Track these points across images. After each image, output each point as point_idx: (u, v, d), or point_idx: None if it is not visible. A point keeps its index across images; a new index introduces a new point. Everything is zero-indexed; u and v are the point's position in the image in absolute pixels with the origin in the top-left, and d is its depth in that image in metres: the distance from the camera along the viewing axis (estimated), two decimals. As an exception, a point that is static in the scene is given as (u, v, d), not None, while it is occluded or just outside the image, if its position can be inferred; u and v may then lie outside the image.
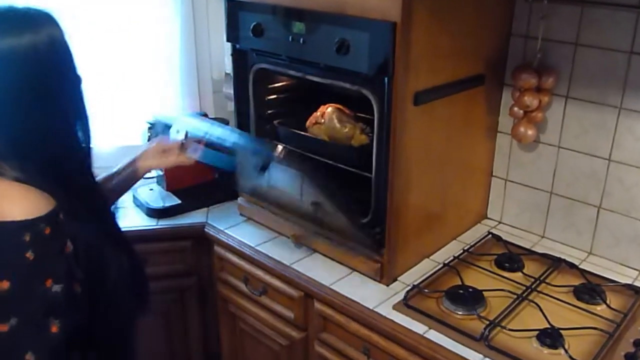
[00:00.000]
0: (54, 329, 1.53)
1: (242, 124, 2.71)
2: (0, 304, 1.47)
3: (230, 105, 3.01)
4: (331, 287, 2.32)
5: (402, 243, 2.34)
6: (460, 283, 2.30)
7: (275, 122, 2.70)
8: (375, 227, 2.28)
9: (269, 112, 2.72)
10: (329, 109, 2.55)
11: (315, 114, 2.59)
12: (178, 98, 3.33)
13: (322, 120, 2.54)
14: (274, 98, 2.73)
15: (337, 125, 2.50)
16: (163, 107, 3.26)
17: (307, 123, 2.61)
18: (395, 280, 2.36)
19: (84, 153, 1.71)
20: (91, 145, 1.71)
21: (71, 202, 1.61)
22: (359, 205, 2.35)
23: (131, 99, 3.27)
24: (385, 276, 2.33)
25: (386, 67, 2.05)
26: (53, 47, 1.59)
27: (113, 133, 3.30)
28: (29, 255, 1.49)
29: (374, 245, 2.29)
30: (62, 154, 1.64)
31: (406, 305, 2.20)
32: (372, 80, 2.13)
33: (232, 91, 2.72)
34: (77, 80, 1.68)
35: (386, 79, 2.08)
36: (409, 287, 2.29)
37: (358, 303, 2.24)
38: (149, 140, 2.89)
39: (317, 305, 2.37)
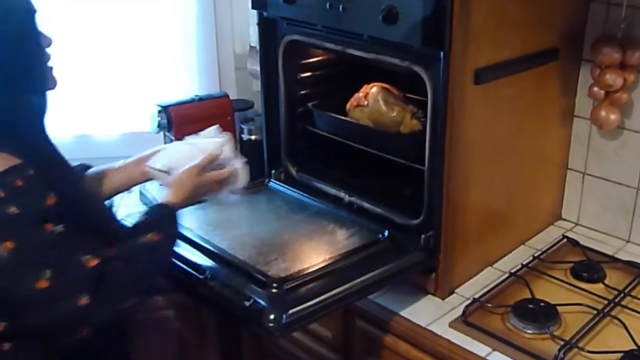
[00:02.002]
0: (92, 263, 1.77)
1: (269, 106, 2.72)
2: (24, 260, 1.69)
3: (256, 84, 3.03)
4: (376, 300, 2.33)
5: (461, 248, 2.34)
6: (529, 296, 2.30)
7: (309, 104, 2.71)
8: (429, 229, 2.29)
9: (302, 92, 2.74)
10: (373, 89, 2.56)
11: (357, 94, 2.60)
12: (194, 76, 3.34)
13: (365, 103, 2.55)
14: (308, 76, 2.75)
15: (383, 108, 2.51)
16: (176, 87, 3.28)
17: (348, 105, 2.62)
18: (452, 292, 2.37)
19: (39, 122, 1.87)
20: (46, 115, 1.87)
21: (38, 165, 1.77)
22: (409, 203, 2.36)
23: (138, 78, 3.29)
24: (441, 288, 2.33)
25: (442, 39, 2.05)
26: (12, 13, 1.75)
27: (118, 118, 3.32)
28: (13, 209, 1.68)
29: (426, 252, 2.30)
30: (15, 119, 1.80)
31: (465, 322, 2.20)
32: (425, 55, 2.14)
33: (258, 67, 2.74)
34: (36, 44, 1.82)
35: (442, 53, 2.08)
36: (469, 301, 2.29)
37: (408, 320, 2.25)
38: (158, 126, 2.91)
39: (359, 322, 2.38)
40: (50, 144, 1.92)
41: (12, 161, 1.72)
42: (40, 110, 1.86)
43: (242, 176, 2.26)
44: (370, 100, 2.54)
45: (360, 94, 2.59)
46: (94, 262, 1.77)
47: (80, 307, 1.72)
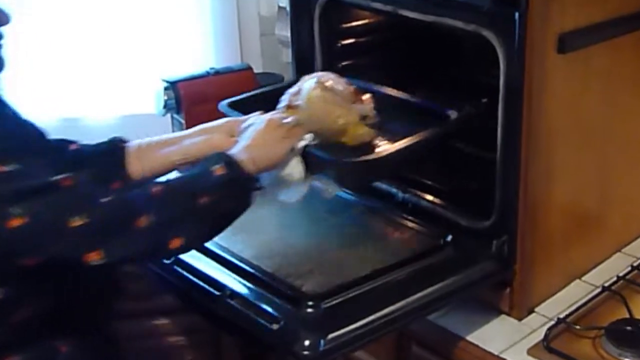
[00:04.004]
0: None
1: (302, 82, 2.73)
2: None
3: (286, 54, 3.04)
4: (437, 322, 2.33)
5: (542, 257, 2.33)
6: (627, 316, 2.28)
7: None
8: (502, 233, 2.28)
9: (343, 63, 2.74)
10: (308, 82, 2.34)
11: (290, 90, 2.38)
12: (209, 45, 3.35)
13: (298, 102, 2.32)
14: (351, 43, 2.76)
15: (321, 110, 2.29)
16: (186, 59, 3.29)
17: (282, 103, 2.38)
18: (531, 311, 2.36)
19: None
20: None
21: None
22: (477, 201, 2.35)
23: (140, 47, 3.29)
24: (517, 306, 2.33)
25: (518, -3, 2.04)
26: None
27: (113, 97, 3.33)
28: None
29: (499, 261, 2.29)
30: None
31: (548, 348, 2.18)
32: (496, 17, 2.12)
33: (288, 33, 2.74)
34: None
35: (517, 13, 2.06)
36: (552, 322, 2.27)
37: (477, 346, 2.25)
38: (164, 107, 2.92)
39: (416, 349, 2.39)
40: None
41: None
42: None
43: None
44: (304, 97, 2.31)
45: (295, 88, 2.36)
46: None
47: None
